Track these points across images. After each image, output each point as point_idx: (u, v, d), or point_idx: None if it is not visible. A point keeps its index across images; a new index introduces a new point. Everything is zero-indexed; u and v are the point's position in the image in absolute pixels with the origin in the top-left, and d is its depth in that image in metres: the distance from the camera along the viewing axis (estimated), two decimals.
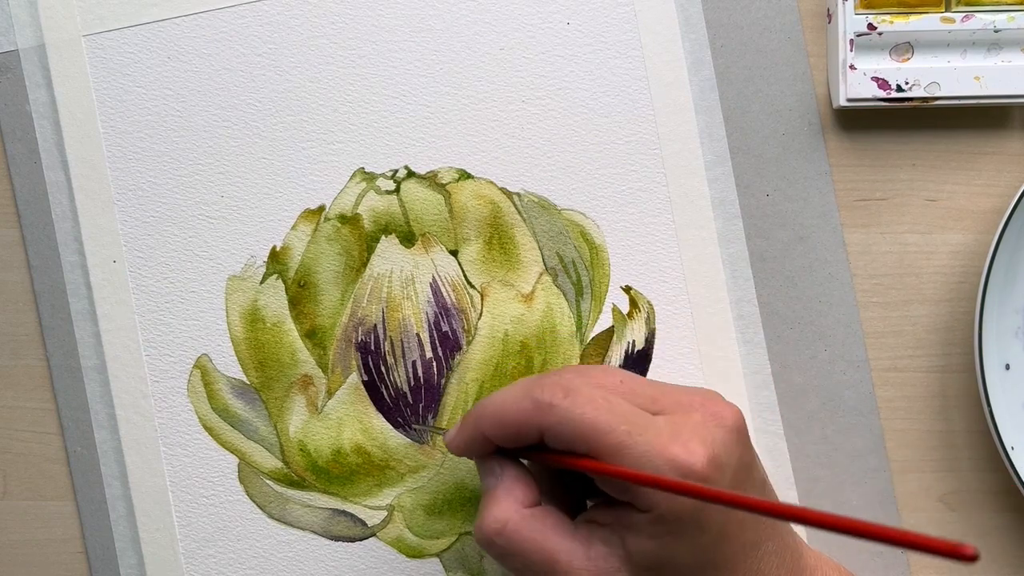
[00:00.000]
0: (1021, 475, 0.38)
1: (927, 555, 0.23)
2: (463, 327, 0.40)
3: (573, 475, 0.36)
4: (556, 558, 0.32)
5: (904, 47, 0.39)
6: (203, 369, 0.41)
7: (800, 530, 0.39)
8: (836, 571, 0.36)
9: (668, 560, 0.32)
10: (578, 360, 0.40)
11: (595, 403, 0.32)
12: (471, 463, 0.40)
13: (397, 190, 0.41)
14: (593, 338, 0.41)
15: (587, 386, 0.32)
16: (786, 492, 0.40)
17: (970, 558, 0.22)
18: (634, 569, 0.32)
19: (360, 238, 0.41)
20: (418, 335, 0.40)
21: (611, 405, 0.32)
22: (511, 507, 0.33)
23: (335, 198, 0.41)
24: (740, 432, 0.33)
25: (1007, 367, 0.40)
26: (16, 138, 0.42)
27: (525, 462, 0.35)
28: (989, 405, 0.38)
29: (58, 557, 0.42)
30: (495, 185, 0.41)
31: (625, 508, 0.32)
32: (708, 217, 0.41)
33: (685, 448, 0.31)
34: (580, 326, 0.41)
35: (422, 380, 0.40)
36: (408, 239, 0.41)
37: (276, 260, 0.41)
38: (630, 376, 0.34)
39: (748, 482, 0.33)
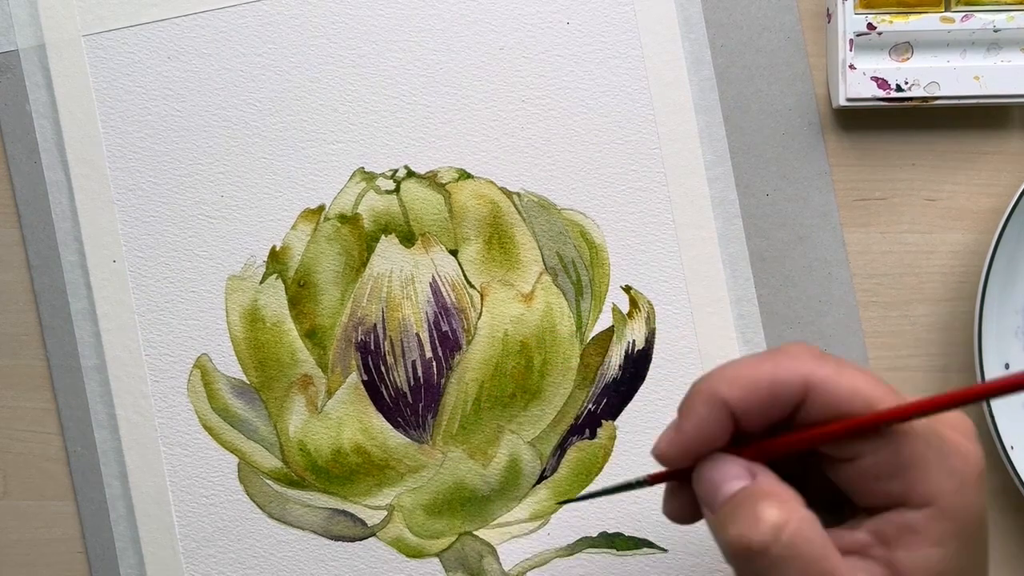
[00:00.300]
0: (1021, 475, 0.38)
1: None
2: (463, 327, 0.40)
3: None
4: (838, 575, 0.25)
5: (904, 47, 0.40)
6: (203, 369, 0.41)
7: None
8: None
9: (953, 573, 0.26)
10: (578, 360, 0.41)
11: (862, 370, 0.27)
12: (472, 464, 0.40)
13: (397, 190, 0.41)
14: (593, 338, 0.41)
15: (845, 360, 0.28)
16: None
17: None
18: None
19: (360, 238, 0.41)
20: (418, 335, 0.40)
21: (875, 377, 0.27)
22: (793, 506, 0.26)
23: (335, 198, 0.41)
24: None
25: (1007, 367, 0.40)
26: (16, 138, 0.42)
27: None
28: (989, 405, 0.38)
29: (58, 557, 0.42)
30: (495, 185, 0.41)
31: (887, 517, 0.26)
32: (708, 217, 0.41)
33: (963, 436, 0.26)
34: (580, 326, 0.41)
35: (422, 380, 0.40)
36: (408, 239, 0.41)
37: (276, 260, 0.41)
38: None
39: None
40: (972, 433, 0.27)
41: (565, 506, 0.40)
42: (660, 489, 0.31)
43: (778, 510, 0.25)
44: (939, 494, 0.25)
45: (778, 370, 0.26)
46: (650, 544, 0.41)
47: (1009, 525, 0.41)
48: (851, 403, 0.26)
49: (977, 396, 0.25)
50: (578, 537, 0.41)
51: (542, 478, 0.41)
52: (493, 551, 0.41)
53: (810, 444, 0.27)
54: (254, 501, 0.41)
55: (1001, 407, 0.39)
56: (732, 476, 0.27)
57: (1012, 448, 0.38)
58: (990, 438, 0.39)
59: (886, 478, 0.26)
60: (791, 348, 0.27)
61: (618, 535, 0.41)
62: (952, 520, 0.25)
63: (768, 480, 0.27)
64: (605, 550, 0.41)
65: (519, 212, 0.41)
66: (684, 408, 0.27)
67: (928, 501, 0.26)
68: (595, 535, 0.41)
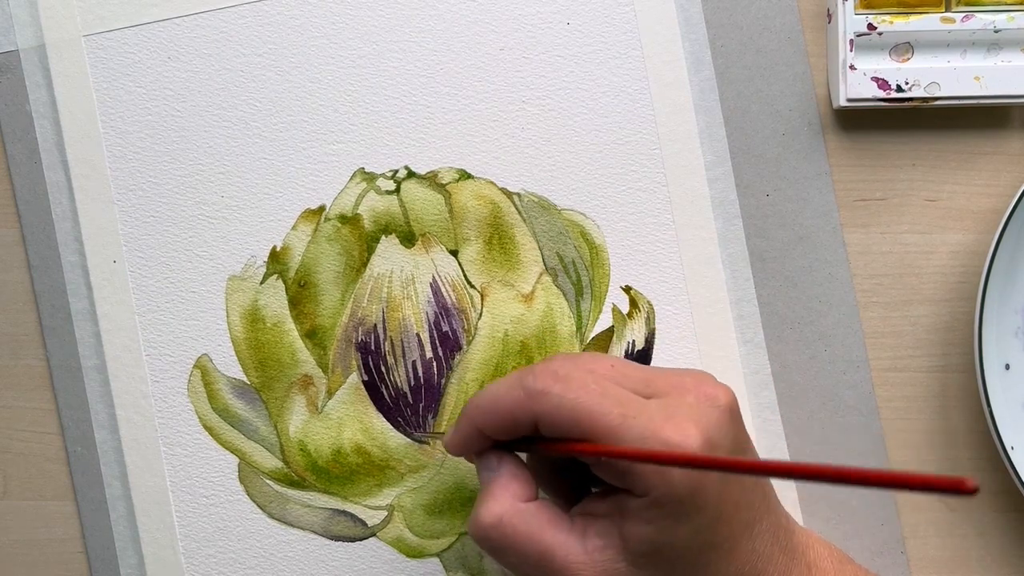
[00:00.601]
0: (1021, 475, 0.39)
1: (926, 494, 0.23)
2: (463, 327, 0.41)
3: (570, 469, 0.36)
4: (552, 553, 0.32)
5: (904, 47, 0.40)
6: (203, 369, 0.42)
7: (795, 514, 0.40)
8: (827, 547, 0.37)
9: (666, 544, 0.32)
10: None
11: (588, 388, 0.32)
12: (469, 465, 0.40)
13: (397, 190, 0.41)
14: (593, 338, 0.41)
15: (578, 372, 0.33)
16: (786, 491, 0.41)
17: (970, 491, 0.21)
18: (631, 557, 0.32)
19: (360, 238, 0.41)
20: (418, 335, 0.41)
21: (604, 389, 0.32)
22: (507, 501, 0.33)
23: (335, 198, 0.41)
24: (733, 412, 0.33)
25: (1007, 367, 0.40)
26: (16, 138, 0.42)
27: (523, 457, 0.35)
28: (989, 405, 0.38)
29: (58, 557, 0.42)
30: (495, 185, 0.41)
31: (621, 496, 0.32)
32: (708, 217, 0.41)
33: (679, 429, 0.31)
34: (580, 326, 0.41)
35: (422, 380, 0.41)
36: (408, 239, 0.41)
37: (276, 260, 0.41)
38: (621, 361, 0.35)
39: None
40: (696, 419, 0.32)
41: None
42: None
43: (492, 506, 0.33)
44: (649, 488, 0.31)
45: (513, 406, 0.33)
46: None
47: (1009, 525, 0.41)
48: (572, 428, 0.32)
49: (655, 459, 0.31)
50: None
51: None
52: None
53: (551, 453, 0.34)
54: (254, 501, 0.41)
55: (1001, 408, 0.39)
56: (485, 467, 0.35)
57: (1012, 448, 0.39)
58: (990, 438, 0.40)
59: (613, 478, 0.32)
60: (537, 376, 0.33)
61: None
62: (660, 507, 0.31)
63: (504, 475, 0.34)
64: None
65: (519, 212, 0.41)
66: (453, 426, 0.35)
67: (644, 492, 0.32)
68: None
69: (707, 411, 0.32)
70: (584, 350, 0.41)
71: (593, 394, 0.32)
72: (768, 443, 0.41)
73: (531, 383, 0.33)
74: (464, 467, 0.41)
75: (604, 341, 0.41)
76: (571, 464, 0.36)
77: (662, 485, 0.31)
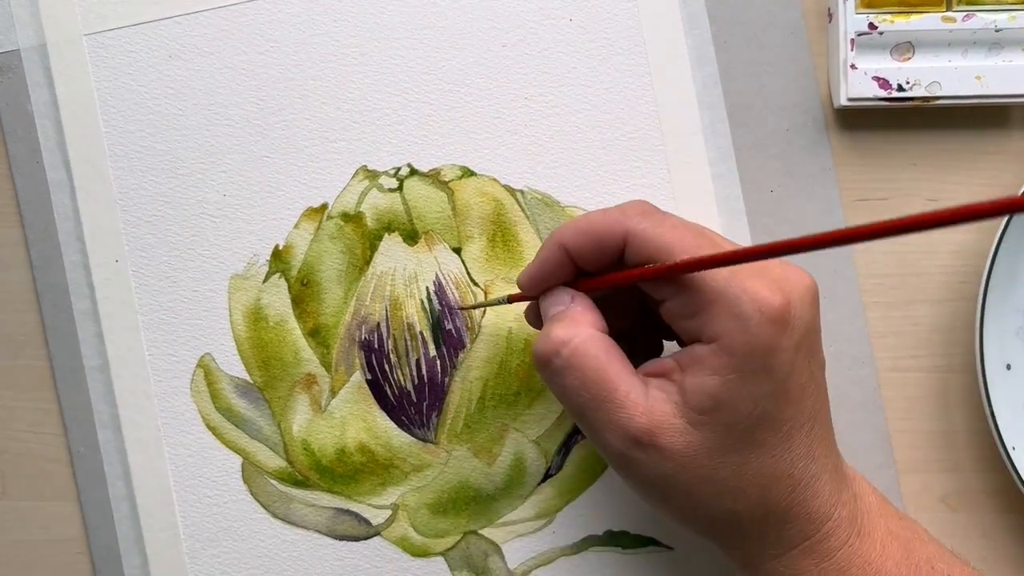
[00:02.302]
0: (1022, 475, 0.39)
1: (983, 219, 0.23)
2: (467, 325, 0.41)
3: (636, 338, 0.36)
4: (616, 385, 0.32)
5: (905, 46, 0.40)
6: (206, 368, 0.42)
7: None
8: (871, 485, 0.37)
9: (726, 403, 0.31)
10: None
11: (687, 225, 0.33)
12: (476, 463, 0.41)
13: (400, 188, 0.42)
14: None
15: (678, 217, 0.34)
16: None
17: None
18: (689, 414, 0.32)
19: (363, 236, 0.42)
20: (421, 333, 0.41)
21: (700, 232, 0.33)
22: (583, 326, 0.33)
23: (337, 196, 0.42)
24: (815, 296, 0.33)
25: (1008, 367, 0.40)
26: (18, 138, 0.42)
27: None
28: (990, 405, 0.39)
29: (60, 558, 0.43)
30: (498, 182, 0.42)
31: (690, 347, 0.32)
32: (712, 213, 0.42)
33: (767, 286, 0.31)
34: None
35: (426, 378, 0.41)
36: (411, 237, 0.42)
37: (279, 259, 0.42)
38: (719, 234, 0.35)
39: (815, 350, 0.33)
40: (780, 285, 0.32)
41: (568, 505, 0.42)
42: None
43: (564, 329, 0.33)
44: (722, 333, 0.31)
45: (605, 221, 0.33)
46: (656, 542, 0.42)
47: (1010, 525, 0.42)
48: (658, 254, 0.32)
49: (765, 252, 0.29)
50: (584, 536, 0.42)
51: (547, 476, 0.42)
52: (498, 550, 0.42)
53: (618, 283, 0.33)
54: (258, 501, 0.42)
55: (1002, 408, 0.39)
56: (556, 302, 0.34)
57: (1014, 448, 0.39)
58: (991, 438, 0.40)
59: (684, 318, 0.32)
60: (628, 205, 0.34)
61: (624, 533, 0.42)
62: (731, 355, 0.31)
63: (579, 306, 0.34)
64: (611, 548, 0.42)
65: (522, 209, 0.42)
66: (539, 250, 0.35)
67: (713, 338, 0.31)
68: (600, 533, 0.42)
69: (794, 283, 0.32)
70: None
71: (690, 230, 0.32)
72: None
73: (630, 206, 0.33)
74: (469, 466, 0.42)
75: None
76: (639, 330, 0.36)
77: (735, 331, 0.31)
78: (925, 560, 0.34)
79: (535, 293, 0.36)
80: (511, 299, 0.38)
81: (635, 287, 0.34)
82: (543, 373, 0.33)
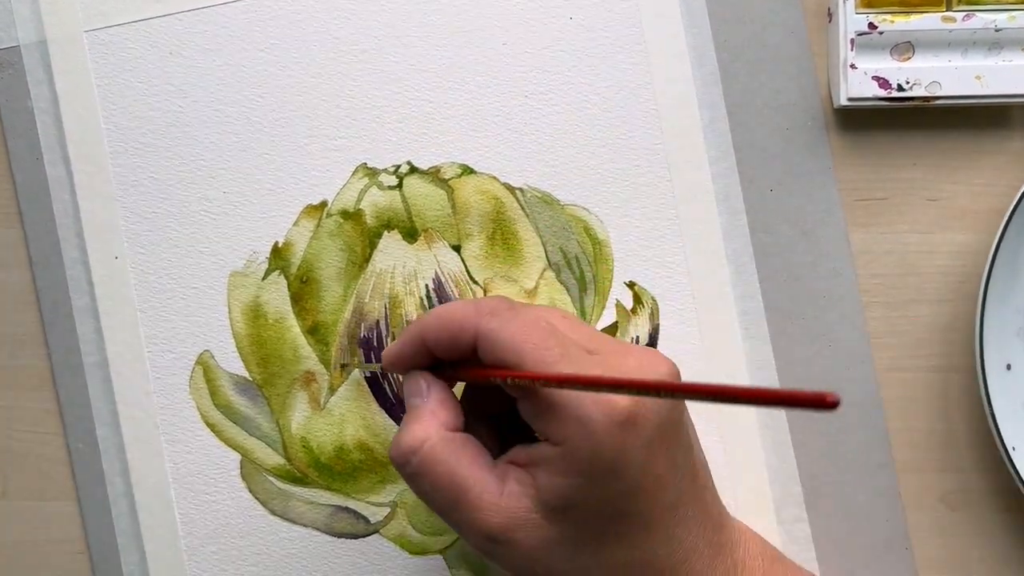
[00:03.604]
0: (1022, 475, 0.39)
1: (792, 409, 0.23)
2: None
3: (498, 419, 0.37)
4: (467, 487, 0.32)
5: (905, 46, 0.41)
6: (205, 365, 0.43)
7: (799, 510, 0.42)
8: (759, 545, 0.37)
9: (578, 503, 0.32)
10: None
11: (536, 323, 0.33)
12: None
13: (399, 185, 0.42)
14: None
15: (532, 310, 0.34)
16: (790, 487, 0.42)
17: (831, 405, 0.22)
18: (544, 510, 0.32)
19: (362, 234, 0.42)
20: None
21: (551, 329, 0.33)
22: (433, 427, 0.33)
23: (337, 194, 0.43)
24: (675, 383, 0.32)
25: (1008, 367, 0.41)
26: (17, 134, 0.43)
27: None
28: (990, 405, 0.39)
29: (59, 557, 0.43)
30: (498, 180, 0.43)
31: (542, 445, 0.32)
32: (712, 212, 0.42)
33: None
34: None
35: None
36: (410, 235, 0.42)
37: (278, 256, 0.43)
38: (574, 317, 0.35)
39: (674, 439, 0.33)
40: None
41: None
42: None
43: (414, 432, 0.33)
44: (566, 437, 0.31)
45: (460, 318, 0.33)
46: None
47: (1011, 525, 0.42)
48: (505, 355, 0.32)
49: (600, 383, 0.30)
50: None
51: None
52: None
53: (471, 379, 0.34)
54: (256, 498, 0.42)
55: (1002, 408, 0.40)
56: (413, 392, 0.35)
57: (1014, 449, 0.40)
58: (991, 438, 0.40)
59: (533, 418, 0.32)
60: (483, 302, 0.34)
61: None
62: (575, 460, 0.31)
63: (434, 401, 0.34)
64: None
65: (522, 208, 0.42)
66: (402, 332, 0.36)
67: (558, 442, 0.31)
68: None
69: (648, 375, 0.32)
70: None
71: (539, 330, 0.32)
72: (772, 438, 0.42)
73: (484, 303, 0.34)
74: None
75: None
76: (500, 413, 0.36)
77: (579, 437, 0.31)
78: None
79: (399, 372, 0.37)
80: (384, 370, 0.39)
81: None
82: (401, 473, 0.34)
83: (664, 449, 0.32)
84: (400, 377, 0.42)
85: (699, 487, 0.34)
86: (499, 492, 0.32)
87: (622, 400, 0.31)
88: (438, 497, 0.33)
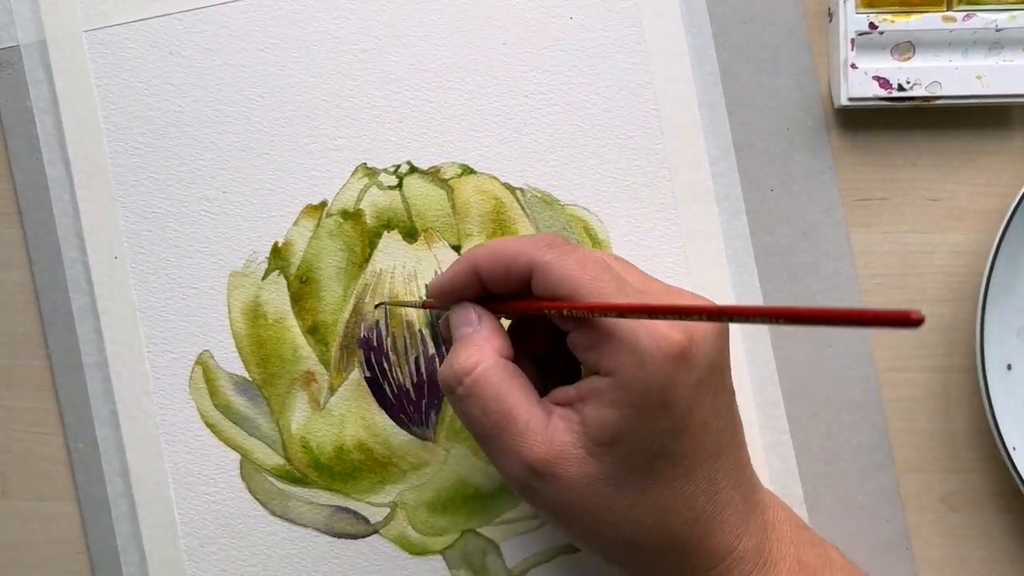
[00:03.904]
0: (1023, 475, 0.40)
1: (877, 328, 0.23)
2: None
3: (544, 363, 0.37)
4: (515, 415, 0.33)
5: (905, 46, 0.41)
6: (205, 365, 0.43)
7: (800, 509, 0.42)
8: (786, 511, 0.37)
9: (625, 436, 0.32)
10: None
11: (593, 258, 0.33)
12: (475, 461, 0.42)
13: (399, 185, 0.43)
14: None
15: (587, 251, 0.34)
16: (791, 488, 0.42)
17: (915, 322, 0.22)
18: (589, 444, 0.32)
19: (362, 234, 0.42)
20: (421, 331, 0.42)
21: (604, 266, 0.33)
22: (489, 352, 0.34)
23: (337, 194, 0.43)
24: (722, 331, 0.33)
25: (1008, 367, 0.41)
26: (17, 134, 0.43)
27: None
28: (991, 405, 0.39)
29: (59, 557, 0.43)
30: (498, 180, 0.43)
31: (590, 379, 0.33)
32: (712, 212, 0.42)
33: (669, 322, 0.31)
34: None
35: (425, 376, 0.42)
36: (410, 235, 0.42)
37: (278, 256, 0.43)
38: (626, 260, 0.36)
39: (720, 384, 0.33)
40: (682, 323, 0.32)
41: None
42: None
43: (467, 356, 0.33)
44: (618, 367, 0.31)
45: (515, 249, 0.34)
46: None
47: (1012, 525, 0.42)
48: (560, 287, 0.33)
49: (639, 311, 0.30)
50: None
51: None
52: (496, 548, 0.42)
53: (522, 311, 0.34)
54: (256, 498, 0.42)
55: (1002, 408, 0.40)
56: (463, 321, 0.35)
57: (1014, 449, 0.40)
58: (992, 438, 0.41)
59: (585, 349, 0.33)
60: (539, 236, 0.35)
61: None
62: (627, 391, 0.31)
63: (487, 328, 0.34)
64: None
65: (522, 207, 0.43)
66: (452, 263, 0.36)
67: (609, 372, 0.32)
68: None
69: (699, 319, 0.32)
70: None
71: (596, 264, 0.33)
72: (773, 439, 0.42)
73: (540, 237, 0.34)
74: (468, 463, 0.42)
75: None
76: (556, 355, 0.37)
77: (631, 366, 0.31)
78: None
79: (443, 305, 0.37)
80: (424, 305, 0.39)
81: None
82: (448, 398, 0.34)
83: (711, 392, 0.33)
84: (399, 373, 0.42)
85: (737, 443, 0.35)
86: (545, 425, 0.33)
87: (676, 335, 0.31)
88: (485, 422, 0.33)
